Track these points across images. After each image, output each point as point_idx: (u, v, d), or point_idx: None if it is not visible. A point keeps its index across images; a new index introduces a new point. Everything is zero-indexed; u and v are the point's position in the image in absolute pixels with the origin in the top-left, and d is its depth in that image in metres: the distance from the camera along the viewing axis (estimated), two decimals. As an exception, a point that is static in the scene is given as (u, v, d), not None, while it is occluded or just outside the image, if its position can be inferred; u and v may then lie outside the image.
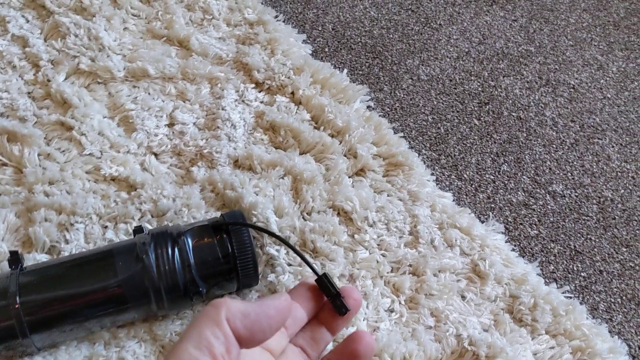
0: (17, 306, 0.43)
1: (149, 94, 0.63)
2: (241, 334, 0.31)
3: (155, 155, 0.59)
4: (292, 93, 0.65)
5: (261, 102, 0.64)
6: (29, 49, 0.65)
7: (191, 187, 0.56)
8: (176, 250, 0.46)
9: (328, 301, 0.40)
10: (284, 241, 0.46)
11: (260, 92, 0.65)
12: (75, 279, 0.45)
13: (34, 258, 0.50)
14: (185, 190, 0.56)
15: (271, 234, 0.49)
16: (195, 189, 0.56)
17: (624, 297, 0.56)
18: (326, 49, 0.73)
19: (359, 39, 0.75)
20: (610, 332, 0.53)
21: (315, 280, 0.41)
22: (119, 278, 0.44)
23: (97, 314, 0.45)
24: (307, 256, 0.53)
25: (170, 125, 0.61)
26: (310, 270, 0.43)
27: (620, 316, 0.55)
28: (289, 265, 0.52)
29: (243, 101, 0.64)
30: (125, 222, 0.53)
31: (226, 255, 0.47)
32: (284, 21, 0.74)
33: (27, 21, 0.68)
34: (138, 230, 0.48)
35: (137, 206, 0.54)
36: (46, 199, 0.53)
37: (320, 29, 0.75)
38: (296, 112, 0.63)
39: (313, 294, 0.41)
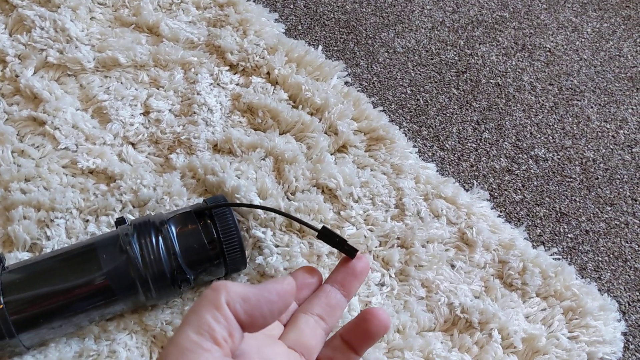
0: (1, 306, 0.42)
1: (121, 83, 0.62)
2: (241, 318, 0.30)
3: (133, 144, 0.58)
4: (268, 73, 0.64)
5: (237, 85, 0.63)
6: (-6, 45, 0.63)
7: (171, 174, 0.55)
8: (160, 239, 0.45)
9: (338, 264, 0.41)
10: (271, 209, 0.46)
11: (235, 74, 0.64)
12: (59, 274, 0.44)
13: (16, 257, 0.49)
14: (166, 178, 0.55)
15: (256, 207, 0.49)
16: (175, 177, 0.55)
17: (611, 255, 0.56)
18: (299, 27, 0.72)
19: (332, 15, 0.74)
20: (599, 290, 0.53)
21: (317, 236, 0.41)
22: (104, 270, 0.44)
23: (85, 308, 0.44)
24: (293, 236, 0.52)
25: (146, 113, 0.60)
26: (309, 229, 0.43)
27: (609, 274, 0.55)
28: (277, 246, 0.52)
29: (218, 84, 0.63)
30: (106, 215, 0.52)
31: (212, 240, 0.46)
32: (254, 1, 0.73)
33: (-10, 16, 0.66)
34: (120, 221, 0.47)
35: (117, 197, 0.53)
36: (23, 196, 0.52)
37: (292, 6, 0.74)
38: (273, 92, 0.62)
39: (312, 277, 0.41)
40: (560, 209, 0.59)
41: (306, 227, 0.43)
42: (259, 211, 0.52)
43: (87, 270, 0.44)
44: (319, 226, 0.43)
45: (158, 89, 0.62)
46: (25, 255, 0.50)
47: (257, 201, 0.53)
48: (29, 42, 0.63)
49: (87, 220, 0.52)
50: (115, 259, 0.44)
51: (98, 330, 0.47)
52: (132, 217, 0.52)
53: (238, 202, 0.52)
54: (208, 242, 0.46)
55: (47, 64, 0.62)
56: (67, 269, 0.44)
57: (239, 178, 0.54)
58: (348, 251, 0.41)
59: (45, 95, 0.59)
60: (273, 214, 0.53)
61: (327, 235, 0.41)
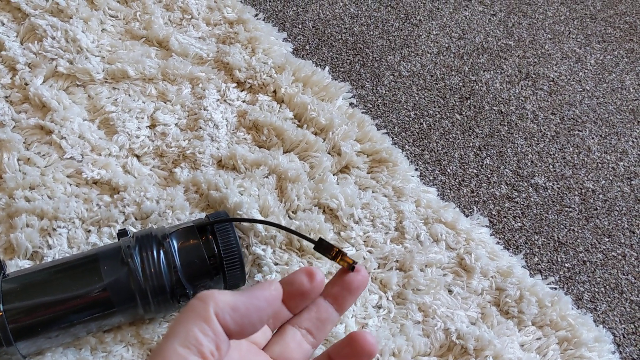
0: (0, 314, 0.42)
1: (129, 95, 0.62)
2: (230, 328, 0.29)
3: (138, 157, 0.59)
4: (274, 92, 0.65)
5: (243, 102, 0.64)
6: (5, 53, 0.64)
7: (175, 188, 0.56)
8: (161, 252, 0.45)
9: (335, 276, 0.39)
10: (270, 223, 0.46)
11: (242, 91, 0.65)
12: (59, 284, 0.44)
13: (17, 264, 0.50)
14: (169, 192, 0.55)
15: (256, 221, 0.49)
16: (179, 190, 0.56)
17: (607, 287, 0.57)
18: (307, 47, 0.73)
19: (339, 36, 0.75)
20: (595, 321, 0.53)
21: (314, 248, 0.40)
22: (105, 282, 0.44)
23: (83, 319, 0.44)
24: (292, 255, 0.53)
25: (152, 126, 0.61)
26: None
27: (605, 305, 0.56)
28: (276, 264, 0.52)
29: (225, 101, 0.63)
30: (108, 226, 0.53)
31: (212, 256, 0.47)
32: (263, 19, 0.74)
33: (2, 24, 0.67)
34: (122, 233, 0.48)
35: (120, 209, 0.53)
36: (27, 204, 0.53)
37: (300, 26, 0.75)
38: (279, 110, 0.63)
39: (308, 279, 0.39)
40: (558, 238, 0.59)
41: (304, 239, 0.42)
42: (260, 228, 0.53)
43: (87, 281, 0.44)
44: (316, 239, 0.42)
45: (165, 102, 0.62)
46: (26, 263, 0.50)
47: (258, 218, 0.53)
48: (40, 51, 0.64)
49: (89, 231, 0.53)
50: (117, 271, 0.44)
51: (95, 342, 0.47)
52: (134, 230, 0.53)
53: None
54: (208, 257, 0.46)
55: (57, 74, 0.63)
56: (68, 279, 0.44)
57: (241, 195, 0.55)
58: (350, 266, 0.39)
59: (53, 105, 0.60)
60: (274, 231, 0.53)
61: (324, 247, 0.40)
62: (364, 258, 0.54)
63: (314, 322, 0.38)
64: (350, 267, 0.39)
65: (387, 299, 0.52)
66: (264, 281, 0.36)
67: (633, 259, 0.58)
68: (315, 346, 0.39)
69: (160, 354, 0.28)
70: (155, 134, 0.60)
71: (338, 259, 0.39)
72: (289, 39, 0.73)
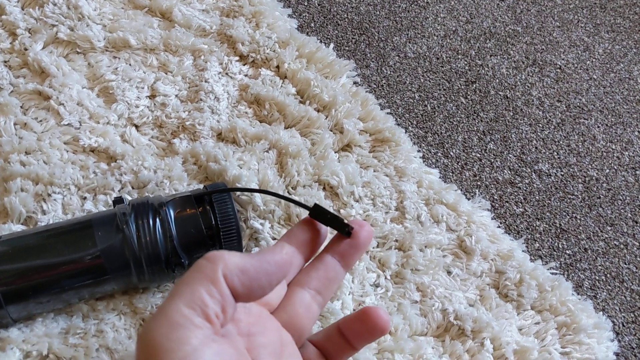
0: (-9, 276, 0.41)
1: (130, 65, 0.61)
2: (238, 291, 0.29)
3: (136, 126, 0.58)
4: (277, 67, 0.64)
5: (245, 75, 0.63)
6: (5, 17, 0.62)
7: (173, 159, 0.55)
8: (157, 221, 0.44)
9: (338, 232, 0.38)
10: (265, 192, 0.44)
11: (244, 65, 0.64)
12: (52, 248, 0.43)
13: (10, 229, 0.49)
14: (167, 162, 0.54)
15: (251, 190, 0.47)
16: (177, 161, 0.55)
17: (608, 275, 0.56)
18: (312, 24, 0.72)
19: (345, 15, 0.74)
20: (594, 309, 0.53)
21: (310, 214, 0.38)
22: (98, 248, 0.43)
23: (76, 285, 0.44)
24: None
25: (152, 97, 0.60)
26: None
27: (605, 293, 0.55)
28: (274, 239, 0.51)
29: (227, 74, 0.62)
30: (104, 194, 0.52)
31: (209, 226, 0.46)
32: (269, -5, 0.73)
33: (4, -11, 0.66)
34: (118, 200, 0.47)
35: (117, 177, 0.53)
36: (22, 168, 0.52)
37: (306, 4, 0.74)
38: (281, 85, 0.62)
39: (310, 235, 0.38)
40: (560, 225, 0.59)
41: (299, 206, 0.40)
42: (259, 202, 0.52)
43: (81, 246, 0.43)
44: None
45: (166, 73, 0.61)
46: (19, 228, 0.49)
47: (256, 193, 0.52)
48: (41, 16, 0.63)
49: (85, 198, 0.52)
50: (111, 238, 0.43)
51: (87, 309, 0.46)
52: (130, 198, 0.52)
53: (238, 192, 0.52)
54: (205, 228, 0.45)
55: (57, 40, 0.62)
56: (61, 244, 0.43)
57: (240, 168, 0.54)
58: (342, 228, 0.38)
59: (52, 70, 0.59)
60: (272, 206, 0.52)
61: (320, 213, 0.38)
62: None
63: (322, 281, 0.37)
64: (347, 232, 0.37)
65: (386, 277, 0.51)
66: (276, 244, 0.35)
67: (635, 248, 0.58)
68: (322, 306, 0.38)
69: (164, 312, 0.27)
70: (155, 104, 0.59)
71: (334, 225, 0.38)
72: (294, 16, 0.72)
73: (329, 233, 0.39)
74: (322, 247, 0.39)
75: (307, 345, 0.38)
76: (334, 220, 0.38)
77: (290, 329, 0.36)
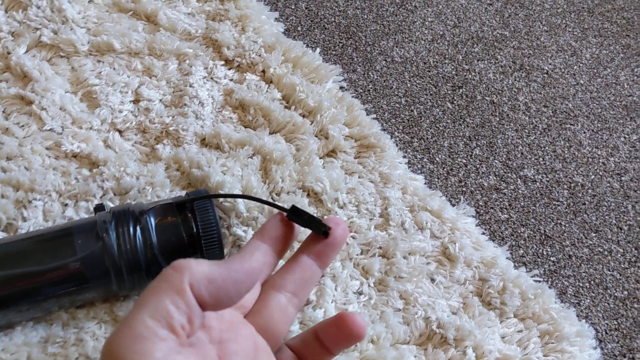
0: (-32, 285, 0.41)
1: (114, 69, 0.61)
2: (205, 301, 0.28)
3: (120, 132, 0.57)
4: (263, 71, 0.63)
5: (230, 80, 0.63)
6: (-12, 20, 0.62)
7: (156, 165, 0.54)
8: (138, 229, 0.44)
9: (313, 232, 0.38)
10: (243, 196, 0.44)
11: (229, 69, 0.63)
12: (32, 256, 0.43)
13: (-11, 236, 0.48)
14: (150, 168, 0.54)
15: (231, 196, 0.47)
16: (160, 167, 0.54)
17: (592, 282, 0.56)
18: (299, 28, 0.72)
19: (332, 19, 0.74)
20: (577, 316, 0.53)
21: (287, 216, 0.38)
22: (78, 256, 0.43)
23: (56, 294, 0.43)
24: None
25: (136, 101, 0.59)
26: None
27: (588, 300, 0.55)
28: (256, 246, 0.51)
29: (212, 78, 0.62)
30: (86, 200, 0.51)
31: (190, 234, 0.45)
32: (256, -1, 0.72)
33: (-13, -9, 0.65)
34: (99, 208, 0.46)
35: (99, 184, 0.52)
36: (3, 174, 0.51)
37: (293, 7, 0.74)
38: (267, 90, 0.62)
39: (283, 230, 0.38)
40: (545, 231, 0.59)
41: (277, 209, 0.40)
42: (242, 209, 0.52)
43: (61, 254, 0.43)
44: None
45: (150, 77, 0.61)
46: (-1, 235, 0.49)
47: (240, 199, 0.52)
48: (24, 19, 0.62)
49: (66, 205, 0.51)
50: (91, 246, 0.43)
51: (67, 317, 0.46)
52: (112, 205, 0.51)
53: (221, 199, 0.52)
54: (187, 236, 0.45)
55: (40, 44, 0.61)
56: (41, 252, 0.43)
57: (224, 174, 0.54)
58: (318, 228, 0.38)
59: (35, 75, 0.58)
60: (256, 213, 0.52)
61: (297, 215, 0.38)
62: (347, 243, 0.53)
63: (298, 282, 0.37)
64: (324, 233, 0.37)
65: (369, 285, 0.51)
66: (245, 249, 0.34)
67: (619, 255, 0.58)
68: (299, 307, 0.38)
69: (128, 324, 0.27)
70: (138, 109, 0.59)
71: (311, 226, 0.38)
72: (280, 20, 0.72)
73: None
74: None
75: (284, 349, 0.38)
76: (311, 222, 0.38)
77: (266, 333, 0.36)
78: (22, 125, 0.56)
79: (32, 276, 0.42)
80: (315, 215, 0.38)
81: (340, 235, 0.38)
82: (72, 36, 0.61)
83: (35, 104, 0.56)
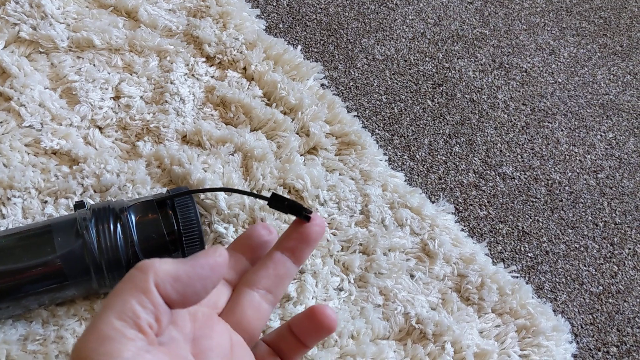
0: (-54, 282, 0.41)
1: (94, 65, 0.61)
2: (172, 298, 0.28)
3: (100, 128, 0.57)
4: (244, 68, 0.64)
5: (212, 77, 0.63)
6: (-35, 15, 0.61)
7: (136, 162, 0.54)
8: (118, 226, 0.44)
9: (289, 228, 0.38)
10: (222, 189, 0.44)
11: (211, 66, 0.63)
12: (11, 254, 0.43)
13: (-33, 233, 0.48)
14: (130, 165, 0.54)
15: (213, 190, 0.47)
16: (140, 164, 0.54)
17: (568, 278, 0.57)
18: (280, 25, 0.72)
19: (314, 16, 0.74)
20: (554, 311, 0.54)
21: (268, 204, 0.39)
22: (58, 254, 0.43)
23: (36, 291, 0.43)
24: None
25: (116, 98, 0.59)
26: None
27: (565, 296, 0.56)
28: (237, 243, 0.51)
29: (193, 75, 0.62)
30: (66, 197, 0.51)
31: (171, 232, 0.45)
32: (237, -5, 0.72)
33: (-36, -15, 0.64)
34: (79, 205, 0.46)
35: (79, 181, 0.52)
36: (-19, 171, 0.51)
37: (274, 4, 0.74)
38: (248, 87, 0.62)
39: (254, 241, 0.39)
40: (523, 227, 0.60)
41: (257, 198, 0.40)
42: (223, 206, 0.52)
43: (40, 252, 0.43)
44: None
45: (131, 74, 0.61)
46: (-23, 232, 0.48)
47: (222, 196, 0.52)
48: (2, 15, 0.61)
49: (46, 202, 0.51)
50: (71, 243, 0.43)
51: (47, 315, 0.46)
52: (92, 202, 0.51)
53: (203, 195, 0.52)
54: (167, 233, 0.45)
55: (19, 39, 0.61)
56: (20, 250, 0.43)
57: (205, 171, 0.54)
58: (300, 213, 0.38)
59: (13, 71, 0.58)
60: (237, 210, 0.52)
61: (278, 201, 0.38)
62: (328, 240, 0.53)
63: (272, 279, 0.37)
64: (306, 217, 0.37)
65: (349, 281, 0.51)
66: (209, 247, 0.35)
67: (595, 251, 0.59)
68: (274, 304, 0.38)
69: (95, 326, 0.27)
70: (119, 105, 0.58)
71: (293, 211, 0.38)
72: (262, 17, 0.72)
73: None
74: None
75: (260, 345, 0.38)
76: (292, 207, 0.38)
77: (241, 330, 0.36)
78: (1, 122, 0.55)
79: (11, 274, 0.42)
80: (295, 200, 0.38)
81: (316, 232, 0.38)
82: (51, 32, 0.61)
83: (13, 100, 0.56)
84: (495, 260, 0.57)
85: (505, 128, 0.67)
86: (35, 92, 0.57)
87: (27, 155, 0.54)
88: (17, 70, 0.58)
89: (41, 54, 0.61)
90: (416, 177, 0.62)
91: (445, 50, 0.74)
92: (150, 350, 0.27)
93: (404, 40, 0.74)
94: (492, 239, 0.58)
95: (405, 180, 0.60)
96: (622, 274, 0.58)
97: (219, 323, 0.35)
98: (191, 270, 0.29)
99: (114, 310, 0.27)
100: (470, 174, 0.63)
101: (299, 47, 0.68)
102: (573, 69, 0.74)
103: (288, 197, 0.38)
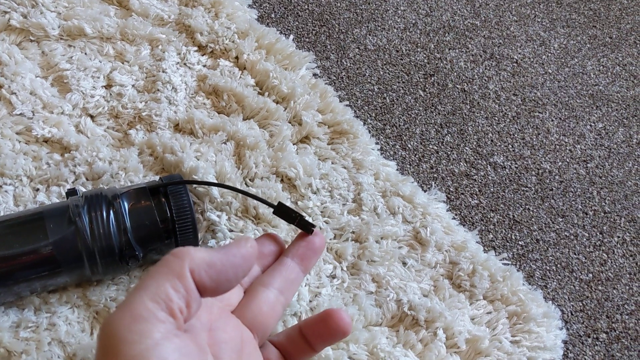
0: (-63, 269, 0.40)
1: (85, 54, 0.60)
2: (206, 285, 0.29)
3: (92, 117, 0.57)
4: (237, 57, 0.63)
5: (204, 66, 0.63)
6: (-46, 3, 0.61)
7: (129, 150, 0.54)
8: (111, 213, 0.44)
9: (296, 238, 0.41)
10: (227, 187, 0.45)
11: (203, 55, 0.63)
12: (3, 241, 0.42)
13: (-42, 221, 0.47)
14: (123, 153, 0.54)
15: (211, 184, 0.48)
16: (133, 152, 0.54)
17: (558, 265, 0.58)
18: (272, 15, 0.72)
19: (306, 6, 0.74)
20: (544, 298, 0.54)
21: (274, 212, 0.41)
22: (50, 240, 0.42)
23: (27, 278, 0.43)
24: (248, 222, 0.52)
25: (108, 86, 0.59)
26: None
27: (555, 283, 0.56)
28: (231, 231, 0.51)
29: (185, 64, 0.62)
30: (58, 185, 0.51)
31: (164, 219, 0.45)
32: (229, -15, 0.72)
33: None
34: (71, 192, 0.46)
35: (70, 168, 0.52)
36: (-28, 159, 0.51)
37: (266, -6, 0.74)
38: (240, 77, 0.62)
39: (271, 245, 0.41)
40: (513, 216, 0.60)
41: (263, 203, 0.43)
42: (215, 194, 0.52)
43: (32, 238, 0.43)
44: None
45: (123, 63, 0.61)
46: (-32, 220, 0.48)
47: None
48: (-8, 3, 0.61)
49: (37, 189, 0.51)
50: (63, 230, 0.43)
51: (39, 302, 0.46)
52: (84, 190, 0.51)
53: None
54: (160, 220, 0.45)
55: (10, 27, 0.60)
56: (12, 236, 0.43)
57: (197, 159, 0.54)
58: (305, 227, 0.41)
59: (4, 59, 0.57)
60: (230, 198, 0.52)
61: (283, 211, 0.41)
62: (321, 228, 0.53)
63: (284, 282, 0.39)
64: (310, 230, 0.40)
65: (342, 269, 0.52)
66: (239, 238, 0.35)
67: (584, 239, 0.59)
68: (285, 306, 0.39)
69: (128, 305, 0.27)
70: (111, 94, 0.58)
71: (297, 223, 0.41)
72: (254, 6, 0.72)
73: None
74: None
75: (268, 345, 0.39)
76: (297, 218, 0.41)
77: (254, 326, 0.37)
78: (-9, 110, 0.55)
79: (3, 260, 0.42)
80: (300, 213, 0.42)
81: (320, 242, 0.41)
82: (42, 20, 0.60)
83: (4, 88, 0.56)
84: (486, 248, 0.57)
85: (496, 118, 0.67)
86: (26, 80, 0.57)
87: (19, 143, 0.53)
88: (7, 58, 0.57)
89: (32, 42, 0.60)
90: (408, 166, 0.62)
91: (437, 40, 0.74)
92: (178, 335, 0.28)
93: (395, 30, 0.74)
94: (483, 227, 0.59)
95: (397, 169, 0.60)
96: (612, 262, 0.58)
97: (233, 319, 0.36)
98: (224, 258, 0.30)
99: (148, 291, 0.27)
100: (461, 163, 0.63)
101: (291, 36, 0.68)
102: (563, 60, 0.75)
103: (293, 208, 0.41)
